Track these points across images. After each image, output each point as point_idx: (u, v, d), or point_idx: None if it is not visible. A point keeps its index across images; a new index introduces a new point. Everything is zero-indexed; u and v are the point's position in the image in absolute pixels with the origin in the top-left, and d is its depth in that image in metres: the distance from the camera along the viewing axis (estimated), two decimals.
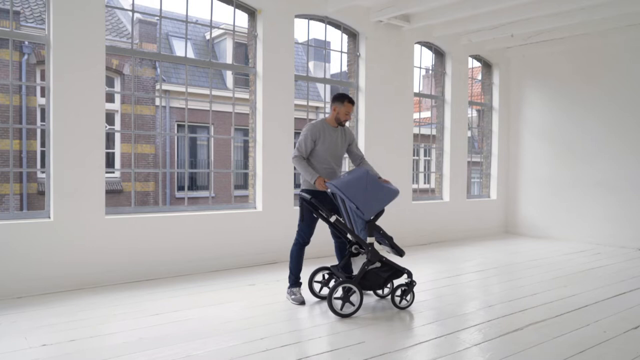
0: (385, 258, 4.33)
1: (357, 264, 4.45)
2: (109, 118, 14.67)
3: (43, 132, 5.70)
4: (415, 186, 8.86)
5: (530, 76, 9.11)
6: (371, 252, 4.24)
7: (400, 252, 4.39)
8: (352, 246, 4.54)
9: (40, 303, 4.35)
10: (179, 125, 16.40)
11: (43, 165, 5.87)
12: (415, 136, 8.59)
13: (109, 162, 14.51)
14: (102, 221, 5.07)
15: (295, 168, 4.96)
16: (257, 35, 6.30)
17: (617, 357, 3.37)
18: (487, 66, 9.37)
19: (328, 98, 20.70)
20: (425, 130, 10.92)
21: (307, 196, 4.36)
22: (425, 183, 15.50)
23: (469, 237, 8.68)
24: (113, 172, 14.76)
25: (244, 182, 16.90)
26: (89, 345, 3.41)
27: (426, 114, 17.98)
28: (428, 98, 8.98)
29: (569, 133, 8.51)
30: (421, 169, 16.65)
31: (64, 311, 4.14)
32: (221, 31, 17.32)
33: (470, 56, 8.91)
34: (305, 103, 8.43)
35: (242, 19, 39.37)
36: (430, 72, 9.21)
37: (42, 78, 13.44)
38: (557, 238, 8.58)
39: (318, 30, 53.02)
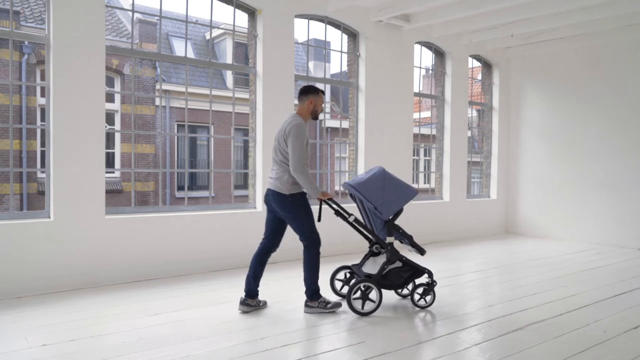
0: (406, 258, 4.34)
1: (378, 263, 4.44)
2: (109, 118, 14.68)
3: (43, 132, 5.70)
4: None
5: (530, 76, 9.11)
6: (391, 251, 4.25)
7: (421, 251, 4.39)
8: (372, 245, 4.56)
9: (40, 303, 4.35)
10: (179, 125, 16.41)
11: (43, 165, 5.87)
12: (415, 136, 8.59)
13: (109, 162, 14.51)
14: (102, 221, 5.07)
15: (287, 177, 4.11)
16: (257, 35, 6.30)
17: (617, 357, 3.37)
18: (487, 66, 9.37)
19: (328, 98, 20.71)
20: (425, 130, 10.92)
21: (325, 198, 4.18)
22: (425, 183, 15.51)
23: (469, 237, 8.68)
24: (113, 172, 14.77)
25: (244, 182, 16.91)
26: (89, 345, 3.41)
27: (426, 114, 17.99)
28: (428, 98, 8.98)
29: (568, 133, 8.51)
30: (421, 169, 16.67)
31: (64, 311, 4.14)
32: (221, 31, 17.32)
33: (470, 56, 8.91)
34: None
35: (242, 19, 39.38)
36: (430, 72, 9.22)
37: (42, 78, 13.44)
38: (557, 238, 8.58)
39: (318, 30, 53.03)
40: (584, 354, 3.40)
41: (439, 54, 8.53)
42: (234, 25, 6.43)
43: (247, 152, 6.68)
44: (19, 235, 4.62)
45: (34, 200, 13.44)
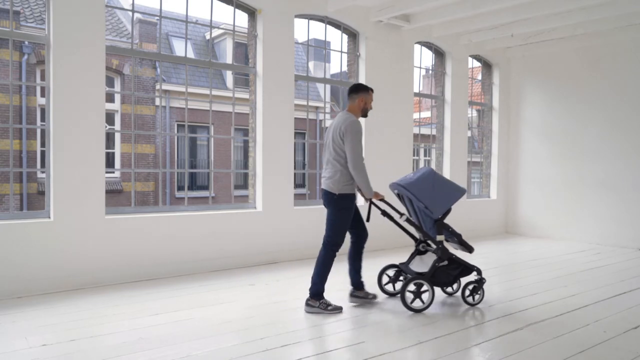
0: (455, 255, 4.41)
1: (425, 262, 4.52)
2: (109, 118, 14.68)
3: (43, 132, 5.70)
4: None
5: (530, 76, 9.11)
6: (441, 249, 4.32)
7: (469, 249, 4.47)
8: (419, 244, 4.64)
9: (40, 303, 4.35)
10: (179, 125, 16.41)
11: (43, 165, 5.87)
12: (415, 136, 8.58)
13: (109, 162, 14.51)
14: (102, 221, 5.07)
15: (339, 176, 4.16)
16: (257, 35, 6.30)
17: (617, 357, 3.37)
18: (487, 66, 9.37)
19: (328, 98, 20.72)
20: (425, 130, 10.92)
21: (377, 198, 4.31)
22: None
23: (469, 237, 8.60)
24: (113, 172, 14.77)
25: (244, 182, 16.91)
26: (89, 345, 3.41)
27: (426, 114, 17.99)
28: (428, 98, 8.98)
29: (569, 133, 8.51)
30: None
31: (64, 311, 4.14)
32: (221, 31, 17.33)
33: (470, 56, 8.91)
34: (305, 103, 8.43)
35: (242, 19, 39.40)
36: (430, 72, 9.21)
37: (42, 78, 13.45)
38: (557, 238, 8.58)
39: (318, 30, 53.04)
40: (584, 354, 3.40)
41: (439, 54, 8.53)
42: (234, 25, 6.43)
43: (247, 152, 6.68)
44: (19, 235, 4.61)
45: (34, 200, 13.44)
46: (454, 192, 4.38)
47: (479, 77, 10.96)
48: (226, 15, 42.20)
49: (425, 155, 17.08)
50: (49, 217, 4.87)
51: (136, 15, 14.94)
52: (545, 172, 8.87)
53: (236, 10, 6.26)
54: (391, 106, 7.57)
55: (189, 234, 5.63)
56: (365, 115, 4.37)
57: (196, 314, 4.13)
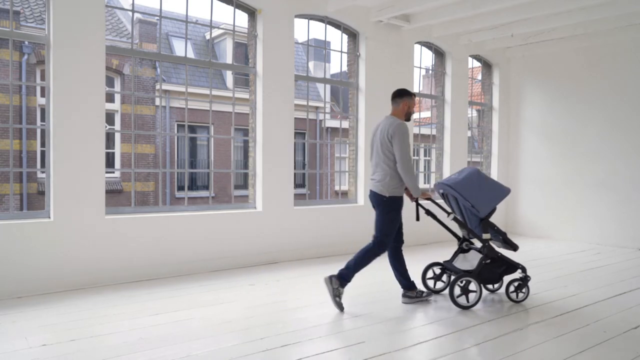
0: (500, 254, 4.47)
1: (468, 260, 4.61)
2: (109, 118, 14.68)
3: (43, 132, 5.70)
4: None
5: (530, 76, 9.11)
6: (488, 247, 4.40)
7: (514, 247, 4.55)
8: (462, 243, 4.76)
9: (40, 303, 4.35)
10: (179, 125, 16.41)
11: (43, 165, 5.87)
12: (415, 136, 8.58)
13: (109, 162, 14.51)
14: (102, 221, 5.07)
15: (389, 179, 4.28)
16: (257, 35, 6.30)
17: (617, 357, 3.37)
18: (487, 66, 9.37)
19: (328, 98, 20.72)
20: (425, 130, 10.91)
21: (424, 197, 4.41)
22: (425, 183, 15.48)
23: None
24: (113, 172, 14.77)
25: (244, 182, 16.91)
26: (89, 345, 3.41)
27: (426, 114, 17.99)
28: (428, 98, 8.98)
29: (568, 133, 8.51)
30: (421, 169, 16.67)
31: (64, 311, 4.14)
32: (221, 31, 17.33)
33: (470, 56, 8.91)
34: (305, 103, 8.43)
35: (242, 19, 39.40)
36: (430, 72, 9.21)
37: (42, 78, 13.45)
38: (557, 238, 8.58)
39: (318, 30, 53.04)
40: (584, 354, 3.40)
41: (439, 54, 8.53)
42: (234, 25, 6.43)
43: (247, 152, 6.68)
44: (19, 235, 4.61)
45: (34, 200, 13.44)
46: (499, 191, 4.47)
47: (479, 77, 10.96)
48: (226, 15, 42.24)
49: (425, 155, 17.09)
50: (49, 217, 4.87)
51: (136, 15, 14.94)
52: (545, 172, 8.87)
53: (236, 10, 6.26)
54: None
55: (189, 234, 5.63)
56: (408, 119, 4.49)
57: (196, 314, 4.13)
